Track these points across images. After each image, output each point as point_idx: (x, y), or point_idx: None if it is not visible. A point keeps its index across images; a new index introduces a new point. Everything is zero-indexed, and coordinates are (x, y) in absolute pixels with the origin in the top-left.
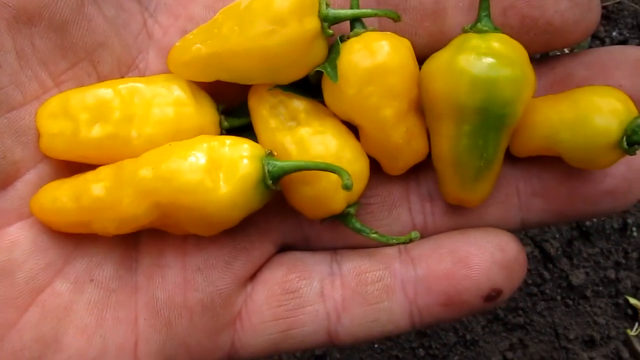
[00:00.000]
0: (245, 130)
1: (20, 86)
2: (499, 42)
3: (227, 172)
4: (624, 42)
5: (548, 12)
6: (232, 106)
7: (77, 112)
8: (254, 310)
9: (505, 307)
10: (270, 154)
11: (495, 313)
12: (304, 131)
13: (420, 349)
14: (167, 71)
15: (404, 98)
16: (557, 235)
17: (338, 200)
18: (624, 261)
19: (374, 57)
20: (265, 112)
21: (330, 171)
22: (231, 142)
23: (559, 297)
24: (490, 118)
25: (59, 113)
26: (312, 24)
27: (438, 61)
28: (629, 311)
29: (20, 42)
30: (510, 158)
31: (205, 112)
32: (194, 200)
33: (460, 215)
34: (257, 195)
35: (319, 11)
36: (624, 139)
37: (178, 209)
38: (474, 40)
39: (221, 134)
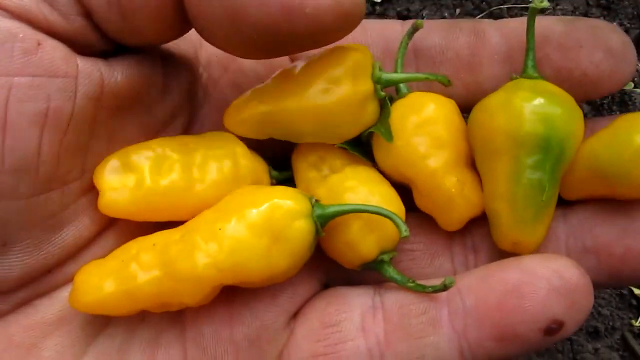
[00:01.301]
0: (288, 182)
1: None
2: (549, 86)
3: (285, 244)
4: (624, 32)
5: (583, 64)
6: (276, 161)
7: (139, 165)
8: (294, 346)
9: None
10: (316, 202)
11: None
12: (335, 178)
13: None
14: (219, 123)
15: (452, 148)
16: None
17: (368, 247)
18: None
19: (421, 111)
20: (305, 166)
21: (380, 214)
22: (280, 204)
23: None
24: (551, 150)
25: (120, 168)
26: (366, 85)
27: (495, 99)
28: (633, 302)
29: (113, 127)
30: (561, 214)
31: (258, 164)
32: (256, 279)
33: None
34: (311, 250)
35: (372, 74)
36: None
37: (240, 283)
38: (527, 82)
39: (271, 184)
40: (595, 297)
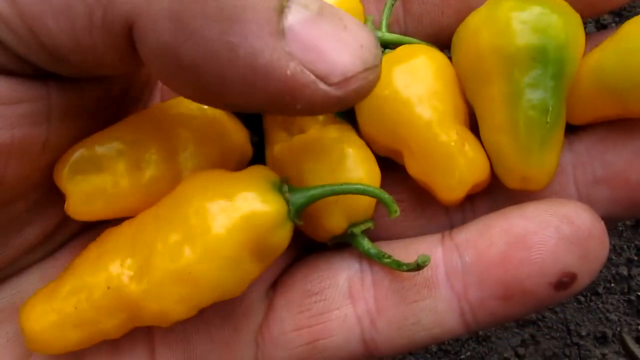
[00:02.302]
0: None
1: None
2: None
3: (263, 258)
4: None
5: None
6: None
7: (110, 161)
8: (274, 320)
9: None
10: (288, 188)
11: None
12: (297, 145)
13: (433, 345)
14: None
15: (448, 101)
16: None
17: (334, 220)
18: (636, 258)
19: (411, 62)
20: (274, 126)
21: (365, 194)
22: (254, 212)
23: None
24: (549, 63)
25: (87, 166)
26: None
27: (477, 16)
28: None
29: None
30: (565, 142)
31: (241, 134)
32: (229, 294)
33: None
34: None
35: None
36: None
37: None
38: None
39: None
40: (603, 302)
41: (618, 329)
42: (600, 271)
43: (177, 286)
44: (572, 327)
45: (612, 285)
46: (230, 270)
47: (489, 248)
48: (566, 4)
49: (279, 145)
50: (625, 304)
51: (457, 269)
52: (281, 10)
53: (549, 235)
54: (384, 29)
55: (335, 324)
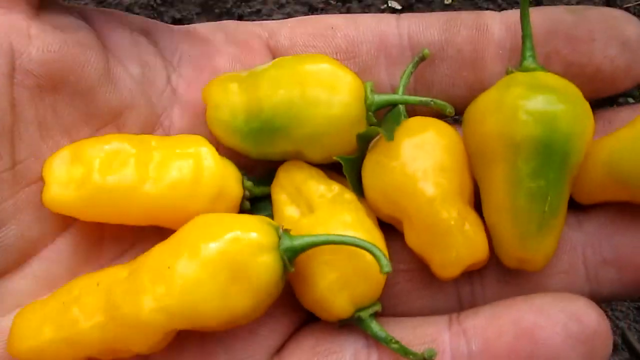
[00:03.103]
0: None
1: (41, 158)
2: (550, 78)
3: (246, 284)
4: None
5: (596, 59)
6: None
7: (90, 158)
8: None
9: None
10: (284, 232)
11: None
12: (307, 221)
13: None
14: (192, 127)
15: (454, 178)
16: None
17: (340, 305)
18: None
19: (421, 135)
20: (282, 198)
21: (355, 245)
22: (241, 238)
23: None
24: (552, 155)
25: (71, 161)
26: (357, 110)
27: (485, 100)
28: None
29: (43, 111)
30: (575, 221)
31: (227, 168)
32: (213, 323)
33: (514, 286)
34: (278, 288)
35: (365, 97)
36: None
37: (199, 327)
38: (522, 77)
39: (244, 195)
40: (612, 310)
41: (627, 336)
42: None
43: (154, 283)
44: None
45: None
46: (208, 280)
47: (497, 339)
48: (576, 91)
49: (287, 223)
50: (634, 311)
51: (464, 356)
52: None
53: (557, 332)
54: (400, 93)
55: None
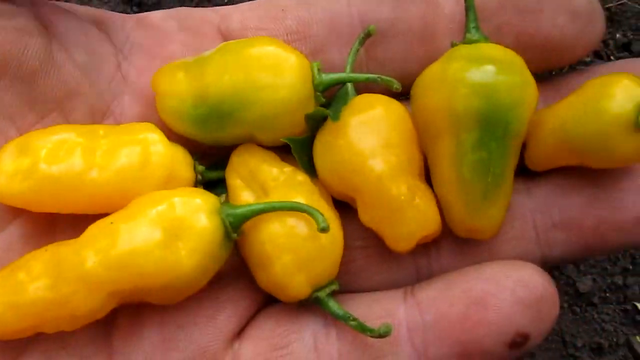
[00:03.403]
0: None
1: None
2: (492, 49)
3: (187, 241)
4: (627, 44)
5: (545, 28)
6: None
7: (37, 149)
8: None
9: None
10: (225, 202)
11: None
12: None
13: None
14: (144, 115)
15: (402, 153)
16: None
17: (297, 286)
18: (631, 267)
19: (368, 112)
20: (237, 183)
21: (296, 210)
22: (182, 200)
23: (565, 305)
24: (493, 126)
25: (18, 153)
26: (305, 91)
27: (428, 75)
28: (638, 317)
29: None
30: (524, 188)
31: (177, 152)
32: (156, 281)
33: (469, 255)
34: (222, 252)
35: (312, 77)
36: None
37: (140, 290)
38: (465, 49)
39: (196, 179)
40: (599, 313)
41: (614, 339)
42: (595, 281)
43: (97, 238)
44: (567, 338)
45: (608, 295)
46: (150, 232)
47: (449, 308)
48: (518, 60)
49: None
50: (621, 314)
51: (419, 327)
52: None
53: (505, 298)
54: (347, 71)
55: None
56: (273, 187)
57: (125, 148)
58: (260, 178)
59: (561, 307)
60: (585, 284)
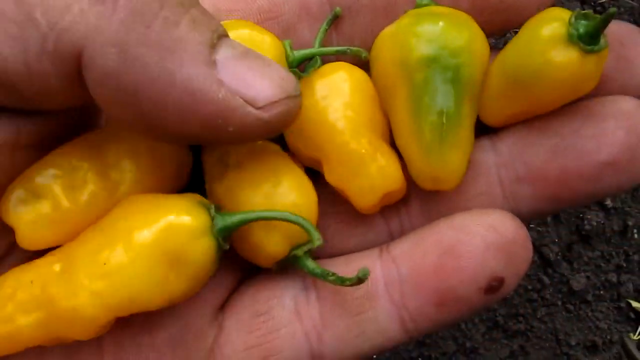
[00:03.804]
0: None
1: None
2: (440, 8)
3: (180, 271)
4: None
5: None
6: None
7: (48, 187)
8: (225, 341)
9: (505, 314)
10: (216, 211)
11: (494, 320)
12: (232, 176)
13: (420, 359)
14: None
15: (362, 113)
16: (556, 239)
17: (275, 245)
18: (625, 264)
19: (331, 77)
20: (212, 160)
21: (287, 220)
22: (172, 225)
23: (559, 303)
24: (442, 68)
25: (28, 197)
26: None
27: (382, 36)
28: (632, 315)
29: None
30: (489, 143)
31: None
32: (149, 307)
33: (438, 213)
34: (214, 267)
35: (286, 55)
36: (572, 30)
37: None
38: (414, 11)
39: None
40: (593, 311)
41: (608, 337)
42: (589, 278)
43: (91, 279)
44: (561, 336)
45: (602, 292)
46: (146, 272)
47: (423, 259)
48: (466, 17)
49: (216, 181)
50: (615, 312)
51: (395, 281)
52: (212, 45)
53: (476, 245)
54: (317, 47)
55: (284, 341)
56: (246, 159)
57: (133, 156)
58: (233, 151)
59: (555, 305)
60: (579, 282)
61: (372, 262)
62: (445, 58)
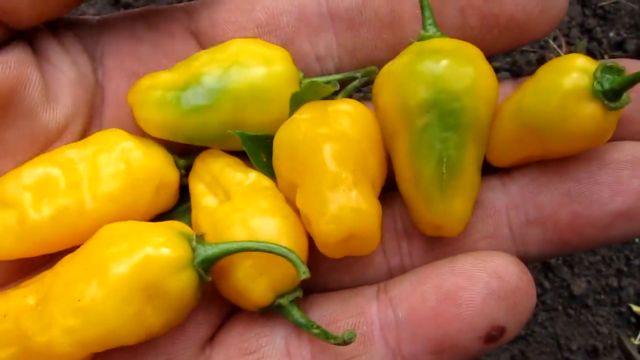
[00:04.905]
0: None
1: None
2: (443, 42)
3: (159, 307)
4: (621, 43)
5: (508, 7)
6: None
7: (17, 197)
8: None
9: None
10: (198, 241)
11: None
12: (221, 210)
13: None
14: (118, 118)
15: (356, 151)
16: None
17: (259, 292)
18: (626, 268)
19: (336, 108)
20: (199, 190)
21: (272, 252)
22: (151, 258)
23: (560, 307)
24: (443, 113)
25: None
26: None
27: (382, 74)
28: (632, 319)
29: None
30: (499, 184)
31: (156, 154)
32: (134, 341)
33: (442, 255)
34: (196, 298)
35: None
36: (596, 85)
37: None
38: (416, 46)
39: (180, 176)
40: (594, 315)
41: (609, 341)
42: (590, 283)
43: (65, 316)
44: (562, 341)
45: (602, 297)
46: (121, 308)
47: (422, 304)
48: (472, 51)
49: (204, 213)
50: (616, 316)
51: (392, 324)
52: None
53: (478, 292)
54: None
55: None
56: (236, 192)
57: (107, 168)
58: (224, 183)
59: (555, 310)
60: (579, 286)
61: (368, 302)
62: (445, 103)
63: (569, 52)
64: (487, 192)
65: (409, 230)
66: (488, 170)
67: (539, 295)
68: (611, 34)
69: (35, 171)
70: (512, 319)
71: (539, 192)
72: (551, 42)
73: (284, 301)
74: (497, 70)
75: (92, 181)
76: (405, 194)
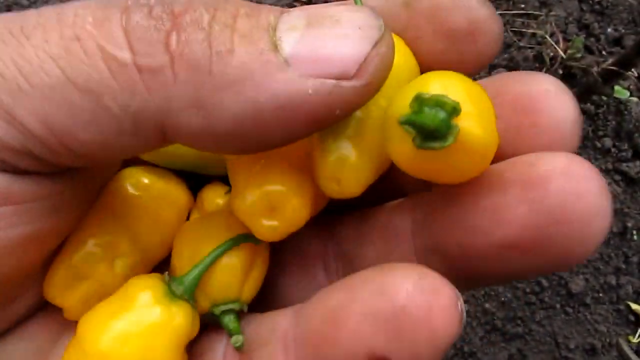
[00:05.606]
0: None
1: None
2: None
3: (166, 343)
4: (619, 39)
5: (427, 57)
6: None
7: (90, 269)
8: None
9: (504, 317)
10: (169, 282)
11: (493, 323)
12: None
13: None
14: None
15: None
16: None
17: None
18: (624, 266)
19: None
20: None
21: (241, 242)
22: (145, 307)
23: (558, 305)
24: None
25: (72, 278)
26: None
27: None
28: (631, 317)
29: None
30: (408, 208)
31: (170, 185)
32: None
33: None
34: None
35: None
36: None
37: None
38: None
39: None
40: (592, 313)
41: (607, 340)
42: (588, 281)
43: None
44: (560, 339)
45: (601, 295)
46: None
47: (308, 324)
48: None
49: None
50: (614, 314)
51: (291, 344)
52: (274, 47)
53: (356, 312)
54: None
55: None
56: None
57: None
58: (206, 203)
59: (553, 308)
60: (577, 284)
61: (284, 319)
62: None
63: (567, 48)
64: (396, 216)
65: (349, 252)
66: (402, 193)
67: (536, 294)
68: (609, 30)
69: (94, 235)
70: (396, 348)
71: (435, 219)
72: (548, 38)
73: (216, 310)
74: (494, 66)
75: (141, 233)
76: (313, 161)
